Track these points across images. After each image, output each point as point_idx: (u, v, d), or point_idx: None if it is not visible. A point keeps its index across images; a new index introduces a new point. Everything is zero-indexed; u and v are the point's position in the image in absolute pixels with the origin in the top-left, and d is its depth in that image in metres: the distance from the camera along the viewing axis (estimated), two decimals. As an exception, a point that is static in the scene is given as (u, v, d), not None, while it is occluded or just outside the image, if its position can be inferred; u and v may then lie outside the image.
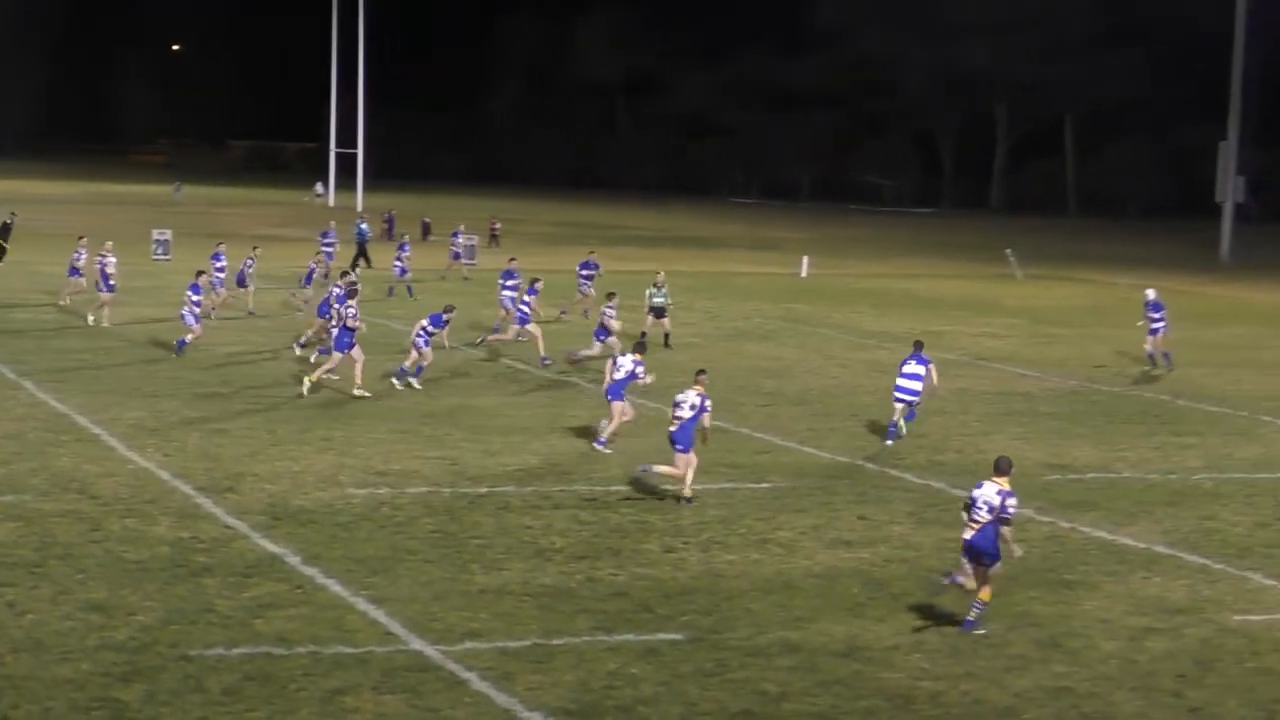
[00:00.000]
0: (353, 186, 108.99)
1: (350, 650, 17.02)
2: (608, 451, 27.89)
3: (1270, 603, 20.08)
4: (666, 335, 42.40)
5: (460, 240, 62.81)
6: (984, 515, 18.30)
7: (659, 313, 42.45)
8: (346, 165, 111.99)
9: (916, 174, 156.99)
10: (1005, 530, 18.31)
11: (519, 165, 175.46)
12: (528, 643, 17.47)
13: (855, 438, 30.55)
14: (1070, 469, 28.16)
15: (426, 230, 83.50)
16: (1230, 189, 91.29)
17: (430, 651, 17.10)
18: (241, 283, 45.80)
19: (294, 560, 20.38)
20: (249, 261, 46.25)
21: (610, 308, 38.32)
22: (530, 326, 38.85)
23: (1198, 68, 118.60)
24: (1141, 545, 22.74)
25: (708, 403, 24.69)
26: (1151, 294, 40.22)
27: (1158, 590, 20.43)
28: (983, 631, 18.34)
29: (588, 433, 29.45)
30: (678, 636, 17.92)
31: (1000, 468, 18.60)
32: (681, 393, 24.89)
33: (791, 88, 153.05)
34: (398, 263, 53.85)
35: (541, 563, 20.71)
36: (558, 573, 20.27)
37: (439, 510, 23.32)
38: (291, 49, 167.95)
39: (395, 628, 17.82)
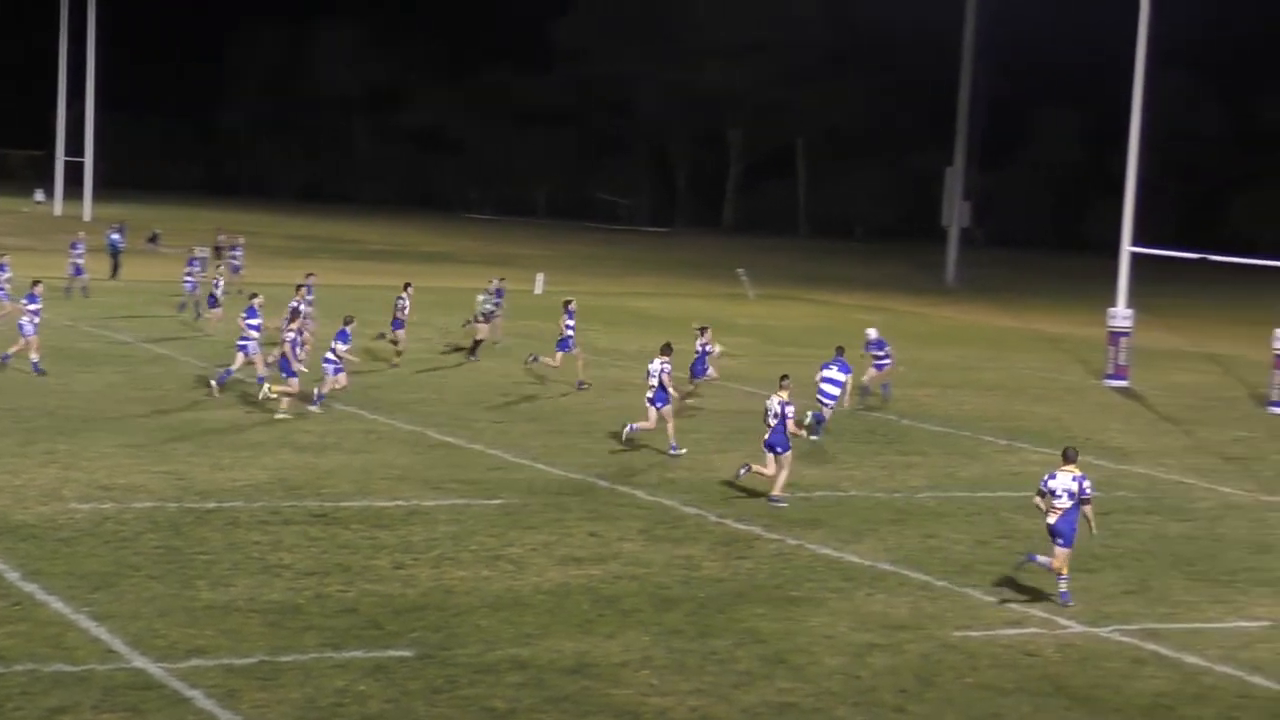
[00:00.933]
0: (80, 195, 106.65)
1: (70, 668, 16.63)
2: (681, 452, 30.57)
3: (989, 619, 20.58)
4: (478, 343, 43.77)
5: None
6: (1065, 501, 21.06)
7: (488, 317, 44.07)
8: (76, 174, 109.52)
9: (652, 193, 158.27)
10: (1087, 509, 21.20)
11: (253, 177, 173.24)
12: (254, 660, 17.24)
13: (588, 454, 30.67)
14: (798, 487, 28.54)
15: (154, 240, 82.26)
16: (956, 213, 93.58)
17: (153, 669, 16.79)
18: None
19: (13, 576, 19.88)
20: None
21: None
22: (573, 352, 39.59)
23: (926, 95, 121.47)
24: (866, 562, 23.16)
25: (789, 409, 26.58)
26: (873, 333, 40.23)
27: (881, 607, 20.83)
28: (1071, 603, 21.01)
29: (319, 448, 29.22)
30: (407, 653, 17.82)
31: (1069, 457, 21.37)
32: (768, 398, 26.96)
33: (530, 104, 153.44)
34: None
35: (269, 579, 20.46)
36: (286, 589, 20.04)
37: (164, 526, 22.91)
38: (22, 54, 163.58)
39: (117, 645, 17.46)
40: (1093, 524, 21.63)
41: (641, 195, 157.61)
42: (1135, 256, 49.06)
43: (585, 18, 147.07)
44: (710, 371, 36.53)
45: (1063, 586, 21.35)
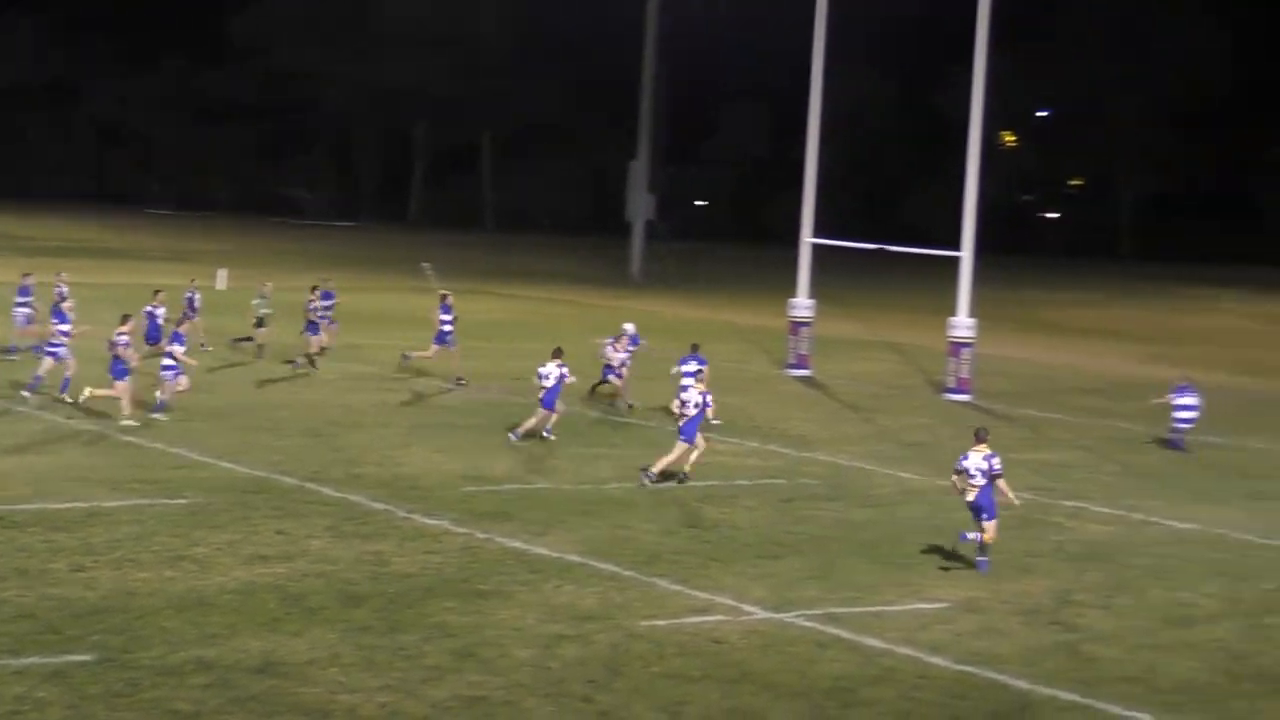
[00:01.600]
0: None
1: None
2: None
3: (676, 608, 20.81)
4: (261, 347, 43.73)
5: None
6: (980, 480, 23.04)
7: (260, 322, 44.05)
8: None
9: (337, 188, 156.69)
10: (1001, 483, 23.18)
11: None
12: (-75, 670, 16.68)
13: (274, 452, 30.27)
14: (488, 480, 28.57)
15: None
16: (641, 207, 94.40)
17: None
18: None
19: None
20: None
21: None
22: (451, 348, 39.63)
23: (610, 89, 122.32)
24: (555, 554, 23.25)
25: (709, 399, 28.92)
26: (630, 328, 40.45)
27: (570, 598, 20.93)
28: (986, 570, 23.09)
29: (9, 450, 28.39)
30: (87, 657, 17.38)
31: (980, 437, 23.40)
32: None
33: (212, 98, 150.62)
34: None
35: (-59, 586, 19.79)
36: (-41, 596, 19.41)
37: None
38: None
39: None
40: (1010, 495, 23.85)
41: (326, 190, 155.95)
42: (816, 247, 50.06)
43: (265, 11, 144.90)
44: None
45: (982, 556, 23.40)
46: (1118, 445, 36.82)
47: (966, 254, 45.38)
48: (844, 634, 19.96)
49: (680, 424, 29.19)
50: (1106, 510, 28.93)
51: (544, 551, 23.42)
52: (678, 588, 21.79)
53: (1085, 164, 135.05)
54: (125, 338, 32.59)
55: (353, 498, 26.47)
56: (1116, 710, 17.60)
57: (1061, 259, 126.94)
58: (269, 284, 45.61)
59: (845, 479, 30.97)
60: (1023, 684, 18.32)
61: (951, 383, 44.94)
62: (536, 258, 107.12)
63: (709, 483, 29.47)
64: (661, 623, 20.00)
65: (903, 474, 31.82)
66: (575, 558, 23.12)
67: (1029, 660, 19.27)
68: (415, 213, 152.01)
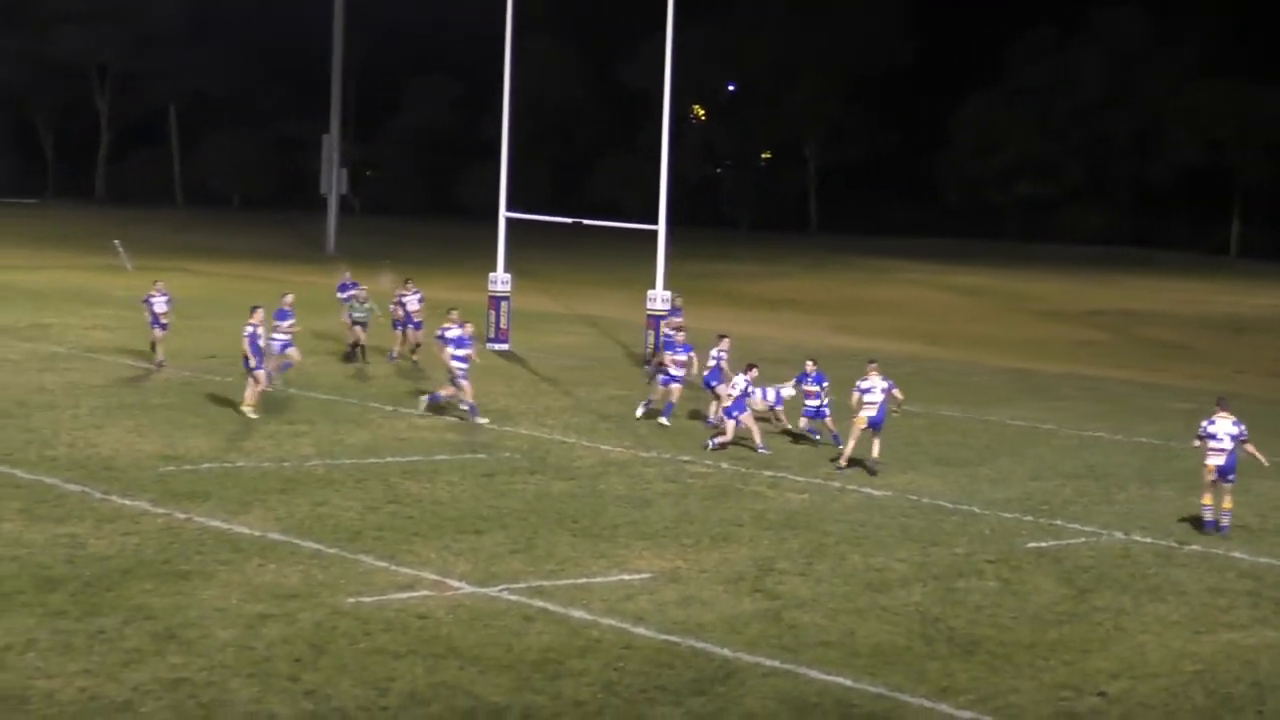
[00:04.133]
0: None
1: None
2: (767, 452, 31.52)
3: (381, 584, 20.69)
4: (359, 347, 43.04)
5: None
6: (1227, 443, 25.39)
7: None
8: None
9: (17, 164, 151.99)
10: (1249, 447, 25.70)
11: None
12: None
13: (-42, 434, 29.36)
14: (185, 460, 28.08)
15: None
16: (334, 181, 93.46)
17: None
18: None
19: None
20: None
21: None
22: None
23: (300, 63, 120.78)
24: (256, 533, 22.95)
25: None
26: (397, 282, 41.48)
27: (273, 577, 20.68)
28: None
29: None
30: None
31: (1223, 404, 26.12)
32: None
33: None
34: None
35: None
36: None
37: None
38: None
39: None
40: (1261, 458, 26.39)
41: (6, 166, 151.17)
42: (511, 221, 50.12)
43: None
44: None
45: (1225, 521, 25.82)
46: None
47: (662, 227, 45.85)
48: (549, 606, 20.05)
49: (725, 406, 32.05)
50: (804, 479, 29.49)
51: (245, 530, 23.10)
52: (382, 564, 21.67)
53: (773, 137, 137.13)
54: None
55: (46, 480, 25.80)
56: (816, 674, 17.98)
57: (751, 231, 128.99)
58: (365, 289, 44.06)
59: (546, 452, 31.08)
60: (726, 651, 18.61)
61: (650, 355, 45.39)
62: (228, 234, 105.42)
63: (410, 458, 29.37)
64: (367, 599, 19.88)
65: (603, 446, 32.05)
66: (277, 536, 22.86)
67: (732, 628, 19.58)
68: (102, 189, 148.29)
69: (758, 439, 32.00)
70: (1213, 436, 25.72)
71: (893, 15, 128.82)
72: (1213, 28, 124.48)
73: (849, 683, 17.79)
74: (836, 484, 29.15)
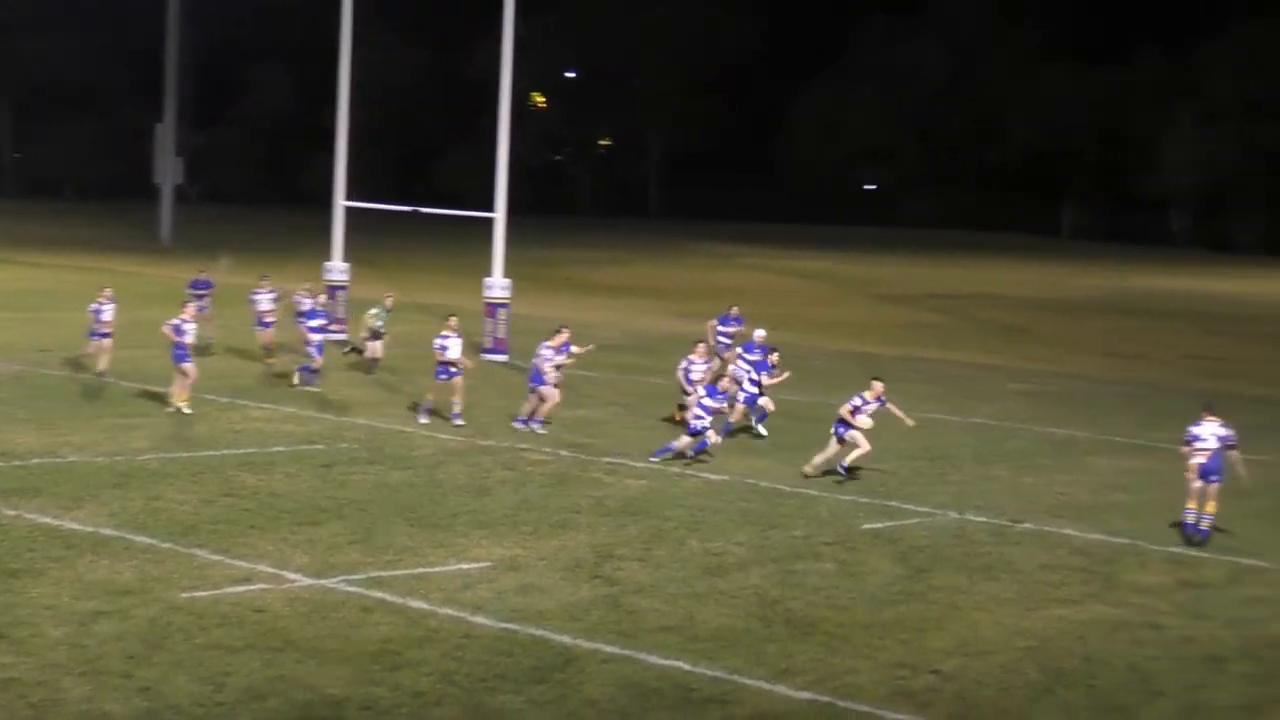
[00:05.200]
0: None
1: None
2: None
3: (217, 578, 20.46)
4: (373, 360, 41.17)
5: None
6: (1212, 443, 24.69)
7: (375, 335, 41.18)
8: None
9: None
10: (1234, 455, 25.00)
11: None
12: None
13: None
14: (13, 455, 27.59)
15: None
16: (168, 171, 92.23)
17: None
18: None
19: None
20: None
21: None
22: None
23: (133, 50, 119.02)
24: (88, 529, 22.60)
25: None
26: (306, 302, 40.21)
27: (106, 573, 20.37)
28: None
29: None
30: None
31: (1210, 409, 25.20)
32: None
33: None
34: None
35: None
36: None
37: None
38: None
39: None
40: (1241, 469, 25.35)
41: None
42: (350, 210, 49.76)
43: None
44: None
45: (1204, 525, 24.81)
46: (652, 401, 37.60)
47: (500, 215, 45.74)
48: (388, 597, 19.94)
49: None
50: (643, 465, 29.55)
51: (76, 526, 22.75)
52: (218, 558, 21.43)
53: (614, 123, 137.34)
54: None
55: None
56: (655, 659, 18.02)
57: (593, 218, 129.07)
58: (390, 297, 42.96)
59: (384, 442, 30.90)
60: (565, 639, 18.60)
61: (488, 343, 45.29)
62: (63, 224, 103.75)
63: (246, 450, 29.08)
64: (202, 594, 19.65)
65: (441, 435, 31.92)
66: (110, 531, 22.52)
67: (571, 615, 19.58)
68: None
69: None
70: (1197, 438, 25.11)
71: (735, 1, 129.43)
72: (1051, 13, 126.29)
73: (688, 667, 17.85)
74: (675, 470, 29.23)
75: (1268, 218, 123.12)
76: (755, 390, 32.92)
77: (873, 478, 29.14)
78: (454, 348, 33.19)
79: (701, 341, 34.27)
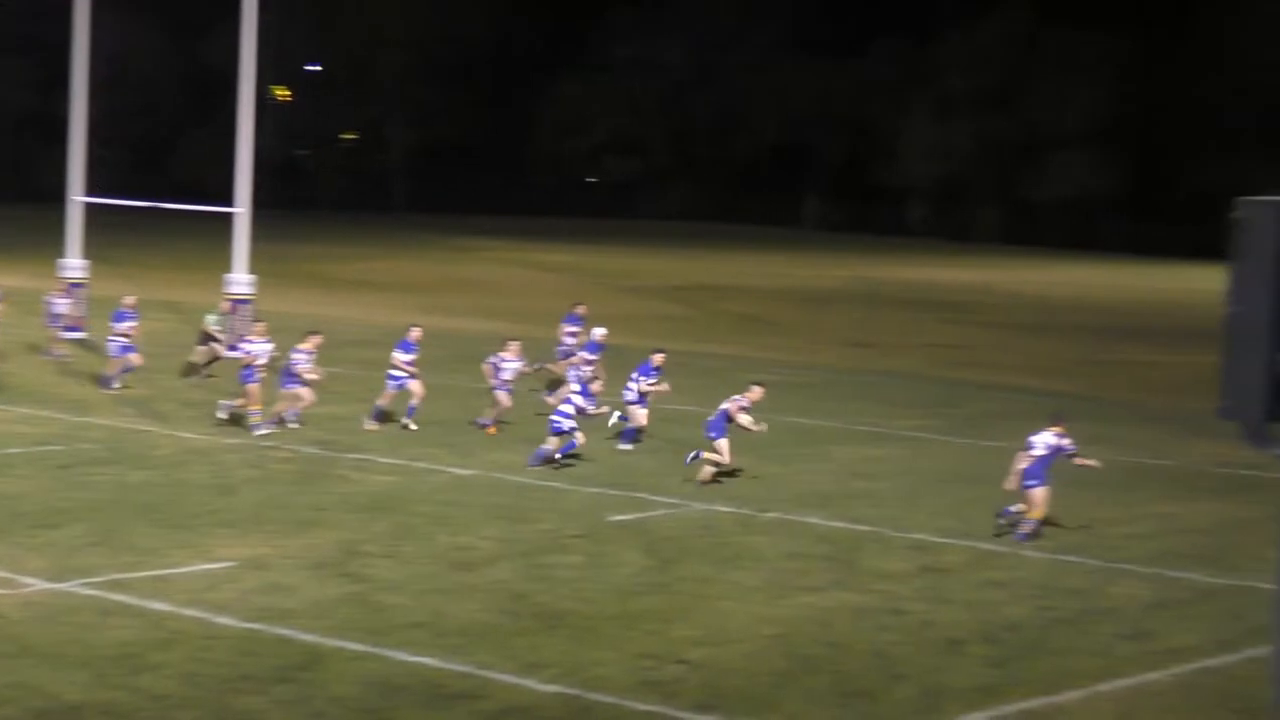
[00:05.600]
0: None
1: None
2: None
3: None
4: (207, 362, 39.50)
5: None
6: (1040, 450, 24.65)
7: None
8: None
9: None
10: (1078, 460, 25.29)
11: None
12: None
13: None
14: None
15: None
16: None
17: None
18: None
19: None
20: None
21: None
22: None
23: None
24: None
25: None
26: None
27: None
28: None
29: None
30: None
31: (1057, 418, 25.36)
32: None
33: None
34: None
35: None
36: None
37: None
38: None
39: None
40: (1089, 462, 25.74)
41: None
42: (87, 206, 48.69)
43: None
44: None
45: (1025, 529, 24.76)
46: (399, 397, 37.33)
47: (243, 209, 45.08)
48: (128, 600, 19.55)
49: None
50: (390, 461, 29.37)
51: None
52: (-63, 563, 20.85)
53: (357, 117, 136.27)
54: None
55: None
56: (404, 656, 17.91)
57: (338, 212, 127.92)
58: (227, 302, 40.93)
59: (125, 442, 30.32)
60: (312, 637, 18.41)
61: (232, 339, 44.59)
62: None
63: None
64: None
65: (183, 434, 31.42)
66: None
67: (318, 613, 19.37)
68: None
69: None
70: (1031, 444, 25.13)
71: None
72: (795, 8, 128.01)
73: (436, 662, 17.77)
74: (422, 464, 29.10)
75: (1003, 207, 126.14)
76: (635, 397, 31.81)
77: (620, 469, 29.28)
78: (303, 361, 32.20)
79: (514, 340, 33.50)
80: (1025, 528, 24.96)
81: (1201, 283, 70.30)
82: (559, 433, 29.25)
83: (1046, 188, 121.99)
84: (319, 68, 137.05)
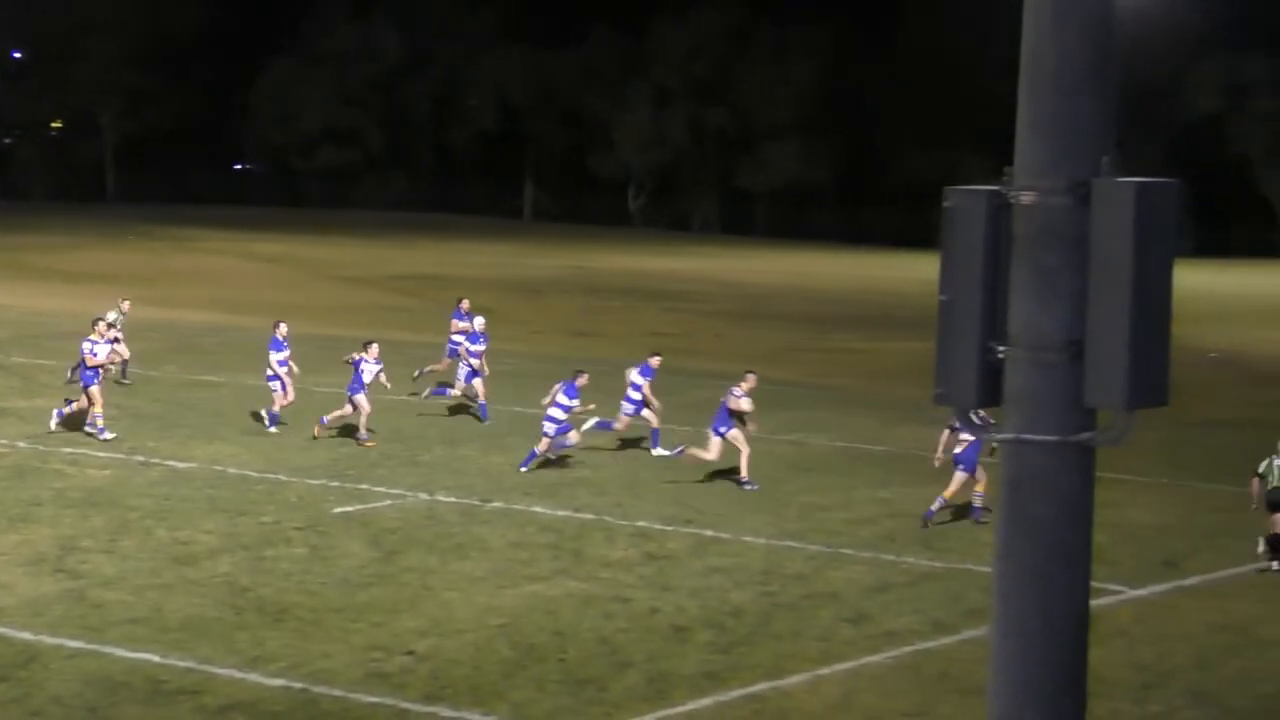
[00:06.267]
0: None
1: None
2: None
3: None
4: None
5: None
6: (968, 435, 22.31)
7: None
8: None
9: None
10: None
11: None
12: None
13: None
14: None
15: None
16: None
17: None
18: None
19: None
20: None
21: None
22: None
23: None
24: None
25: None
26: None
27: None
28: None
29: None
30: None
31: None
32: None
33: None
34: None
35: None
36: None
37: None
38: None
39: None
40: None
41: None
42: None
43: None
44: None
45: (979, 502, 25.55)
46: (113, 389, 36.61)
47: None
48: None
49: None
50: (106, 455, 28.79)
51: None
52: None
53: (66, 105, 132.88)
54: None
55: None
56: (123, 653, 17.65)
57: (46, 203, 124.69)
58: (127, 301, 38.20)
59: None
60: (28, 635, 18.04)
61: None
62: None
63: None
64: None
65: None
66: None
67: (34, 611, 18.98)
68: None
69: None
70: (958, 429, 25.35)
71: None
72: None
73: (157, 658, 17.52)
74: (140, 458, 28.60)
75: (719, 197, 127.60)
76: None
77: (344, 460, 29.09)
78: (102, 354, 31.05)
79: (373, 342, 32.32)
80: (978, 500, 25.76)
81: (914, 271, 71.99)
82: (563, 432, 28.98)
83: (761, 178, 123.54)
84: (22, 54, 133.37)
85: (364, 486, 27.05)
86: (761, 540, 24.54)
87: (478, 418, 33.80)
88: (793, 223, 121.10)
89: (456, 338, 36.20)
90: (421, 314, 60.41)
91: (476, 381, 33.87)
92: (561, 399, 28.98)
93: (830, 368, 48.63)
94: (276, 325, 32.69)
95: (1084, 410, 8.02)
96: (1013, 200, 8.08)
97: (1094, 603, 8.13)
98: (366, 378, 30.75)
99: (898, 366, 46.73)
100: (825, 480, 29.26)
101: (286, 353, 32.02)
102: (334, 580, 21.06)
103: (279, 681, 17.05)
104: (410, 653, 18.22)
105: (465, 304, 38.22)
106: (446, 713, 16.60)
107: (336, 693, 16.86)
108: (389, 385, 31.30)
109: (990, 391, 8.24)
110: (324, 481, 27.26)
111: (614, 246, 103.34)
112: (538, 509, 25.93)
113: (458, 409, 34.52)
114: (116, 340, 36.82)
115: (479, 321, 35.58)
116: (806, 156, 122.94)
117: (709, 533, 24.92)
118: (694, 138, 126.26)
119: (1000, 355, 8.15)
